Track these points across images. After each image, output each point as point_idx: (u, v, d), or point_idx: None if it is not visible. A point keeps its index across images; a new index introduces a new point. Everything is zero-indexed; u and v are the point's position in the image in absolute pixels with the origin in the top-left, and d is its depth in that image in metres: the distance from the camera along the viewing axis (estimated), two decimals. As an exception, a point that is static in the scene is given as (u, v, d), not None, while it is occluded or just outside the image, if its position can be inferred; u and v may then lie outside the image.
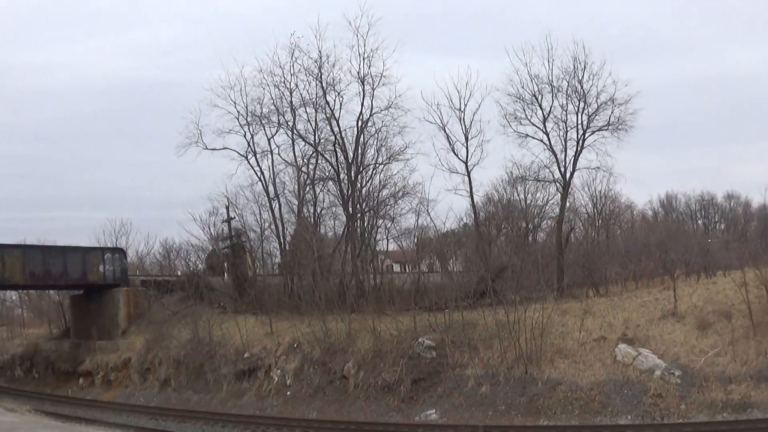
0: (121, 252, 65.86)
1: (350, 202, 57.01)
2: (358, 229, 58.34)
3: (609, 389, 33.78)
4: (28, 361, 71.11)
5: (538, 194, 61.34)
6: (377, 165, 58.23)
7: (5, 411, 34.69)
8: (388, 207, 59.20)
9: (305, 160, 60.25)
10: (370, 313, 45.98)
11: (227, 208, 63.12)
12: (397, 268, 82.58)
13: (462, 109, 54.23)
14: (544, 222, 65.35)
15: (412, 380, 39.49)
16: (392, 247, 67.54)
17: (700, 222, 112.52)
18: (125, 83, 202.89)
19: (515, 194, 63.14)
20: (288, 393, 44.45)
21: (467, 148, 54.30)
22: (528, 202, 62.41)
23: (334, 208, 61.06)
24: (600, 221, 64.24)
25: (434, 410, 37.23)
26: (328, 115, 57.30)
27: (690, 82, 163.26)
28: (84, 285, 63.58)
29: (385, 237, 63.08)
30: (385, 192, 58.89)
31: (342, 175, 57.53)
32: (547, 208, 62.51)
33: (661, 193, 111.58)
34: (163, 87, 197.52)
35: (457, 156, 54.59)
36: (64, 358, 65.22)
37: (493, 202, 66.19)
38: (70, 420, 39.83)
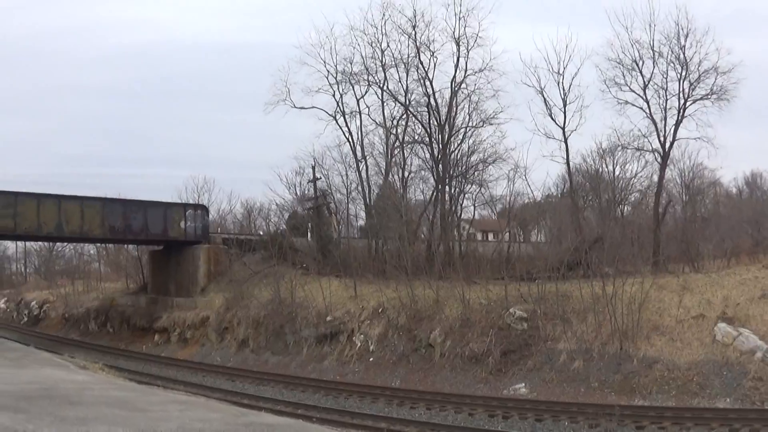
0: (203, 209, 64.89)
1: (441, 166, 55.37)
2: (447, 195, 56.68)
3: (707, 370, 31.62)
4: (103, 315, 71.20)
5: (627, 166, 59.75)
6: (468, 128, 56.55)
7: (77, 368, 33.28)
8: (477, 173, 57.54)
9: (394, 122, 59.05)
10: (458, 280, 44.32)
11: (313, 168, 62.32)
12: (480, 236, 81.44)
13: (561, 73, 52.50)
14: (631, 195, 63.80)
15: (502, 352, 37.63)
16: (478, 214, 66.24)
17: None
18: (212, 44, 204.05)
19: (603, 165, 61.68)
20: (371, 359, 43.09)
21: (565, 114, 52.62)
22: (616, 173, 60.94)
23: (423, 172, 59.75)
24: (687, 196, 62.42)
25: (524, 384, 35.46)
26: (422, 75, 55.95)
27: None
28: (164, 240, 62.84)
29: (472, 204, 61.79)
30: (474, 157, 57.25)
31: (433, 138, 55.95)
32: (634, 180, 60.95)
33: (746, 171, 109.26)
34: (250, 48, 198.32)
35: (554, 121, 52.94)
36: (140, 313, 65.04)
37: (581, 172, 64.86)
38: (145, 381, 38.60)
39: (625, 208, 64.08)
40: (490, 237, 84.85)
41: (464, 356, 38.85)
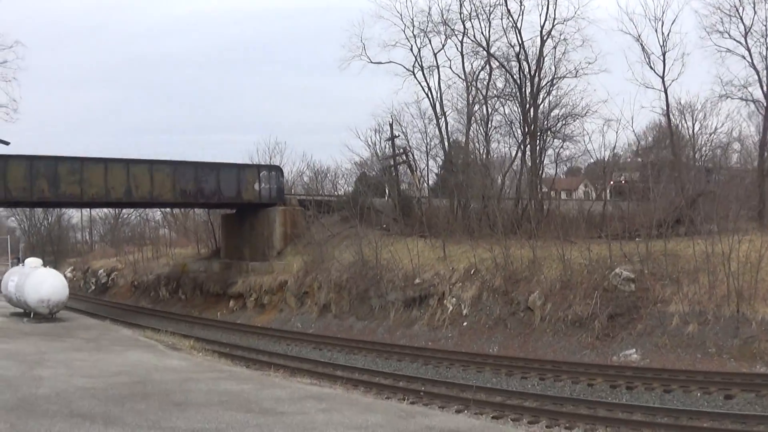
0: (277, 169, 62.54)
1: (529, 119, 52.73)
2: (538, 149, 54.00)
3: (832, 335, 28.92)
4: (174, 282, 70.01)
5: (705, 121, 57.43)
6: (557, 79, 53.67)
7: (167, 349, 30.50)
8: (566, 126, 54.90)
9: (474, 76, 56.41)
10: (554, 239, 41.86)
11: (391, 125, 60.17)
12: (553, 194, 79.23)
13: (661, 18, 49.69)
14: (712, 151, 61.50)
15: (608, 315, 34.97)
16: (553, 172, 63.94)
17: None
18: (281, 9, 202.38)
19: (683, 121, 59.38)
20: (464, 324, 40.64)
21: (664, 62, 49.56)
22: (696, 130, 58.64)
23: (504, 127, 57.22)
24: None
25: (634, 350, 32.87)
26: (509, 24, 53.18)
27: None
28: (238, 203, 61.03)
29: (554, 160, 59.29)
30: (562, 110, 54.63)
31: (523, 90, 53.23)
32: (714, 136, 58.63)
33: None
34: (321, 12, 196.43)
35: (653, 70, 49.99)
36: (214, 279, 63.70)
37: (661, 127, 62.67)
38: (251, 362, 36.11)
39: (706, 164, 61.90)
40: (563, 195, 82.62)
41: (567, 320, 36.33)
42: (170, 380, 19.53)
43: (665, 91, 49.74)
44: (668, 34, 49.39)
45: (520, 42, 52.69)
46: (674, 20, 50.10)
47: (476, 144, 56.26)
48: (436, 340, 40.48)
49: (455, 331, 40.58)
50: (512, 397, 27.46)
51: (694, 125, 58.96)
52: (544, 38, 52.06)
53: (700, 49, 50.41)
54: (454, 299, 42.24)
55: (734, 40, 48.22)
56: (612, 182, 64.84)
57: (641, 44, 50.05)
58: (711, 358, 30.64)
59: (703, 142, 60.21)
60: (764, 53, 47.78)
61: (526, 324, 38.18)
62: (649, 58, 49.80)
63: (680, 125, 60.49)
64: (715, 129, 57.46)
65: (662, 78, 49.47)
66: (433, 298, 43.51)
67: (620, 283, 36.40)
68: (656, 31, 49.93)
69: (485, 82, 55.93)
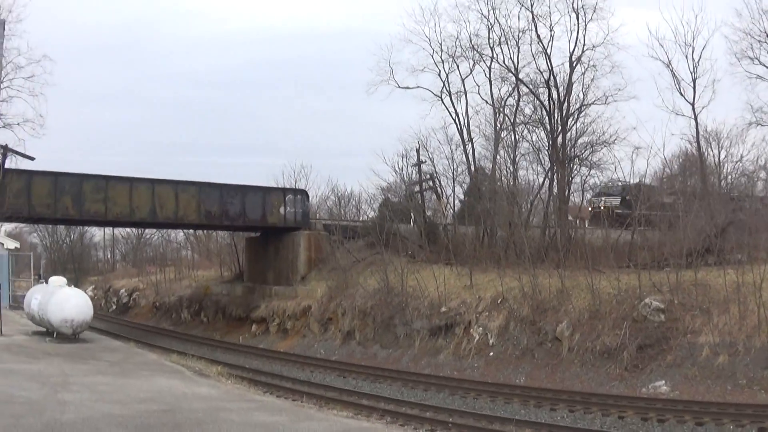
0: (303, 194, 62.49)
1: (558, 147, 52.50)
2: (566, 177, 53.54)
3: None
4: (196, 304, 69.86)
5: (732, 149, 56.97)
6: (586, 106, 53.57)
7: (194, 375, 30.07)
8: (594, 154, 54.45)
9: (502, 102, 56.41)
10: (582, 268, 41.41)
11: (417, 151, 59.91)
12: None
13: (691, 44, 50.08)
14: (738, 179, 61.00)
15: (638, 346, 34.49)
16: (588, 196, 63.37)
17: None
18: (305, 31, 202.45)
19: (708, 149, 58.98)
20: (491, 353, 40.23)
21: (694, 89, 49.84)
22: (722, 158, 58.21)
23: (531, 154, 56.82)
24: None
25: (664, 382, 32.38)
26: (538, 50, 53.41)
27: None
28: (262, 227, 61.01)
29: (580, 188, 58.87)
30: (590, 138, 54.31)
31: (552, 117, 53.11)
32: (740, 164, 58.16)
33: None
34: (348, 36, 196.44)
35: (683, 96, 50.24)
36: (236, 302, 63.40)
37: (687, 155, 62.13)
38: (276, 388, 35.83)
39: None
40: (587, 224, 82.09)
41: (595, 351, 35.83)
42: (200, 409, 19.21)
43: (695, 119, 49.71)
44: (699, 61, 49.54)
45: (550, 68, 52.74)
46: (705, 46, 49.91)
47: (503, 171, 55.91)
48: (461, 370, 40.08)
49: (481, 360, 40.21)
50: (542, 429, 27.10)
51: (719, 153, 58.74)
52: (574, 64, 52.07)
53: (730, 76, 50.43)
54: (480, 328, 41.81)
55: (764, 66, 48.15)
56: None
57: (671, 70, 50.16)
58: (741, 389, 30.22)
59: (729, 170, 59.85)
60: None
61: (553, 354, 37.74)
62: (679, 85, 49.96)
63: (706, 153, 60.31)
64: (741, 157, 57.16)
65: (692, 105, 49.55)
66: (459, 327, 43.05)
67: (650, 314, 35.95)
68: (687, 57, 50.16)
69: (513, 109, 55.93)
